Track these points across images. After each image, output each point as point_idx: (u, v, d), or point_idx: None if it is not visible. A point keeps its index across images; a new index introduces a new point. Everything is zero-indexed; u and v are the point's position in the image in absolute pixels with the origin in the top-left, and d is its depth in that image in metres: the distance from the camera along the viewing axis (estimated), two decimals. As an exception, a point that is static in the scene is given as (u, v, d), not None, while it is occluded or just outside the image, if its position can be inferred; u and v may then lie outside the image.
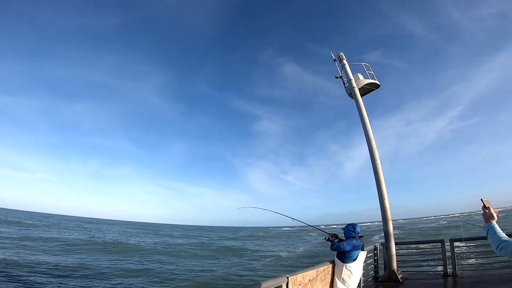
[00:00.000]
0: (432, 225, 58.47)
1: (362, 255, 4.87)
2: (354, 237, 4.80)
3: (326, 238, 5.15)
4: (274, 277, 3.43)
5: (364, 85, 8.43)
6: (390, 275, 6.64)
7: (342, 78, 8.88)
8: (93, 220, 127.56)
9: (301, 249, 30.27)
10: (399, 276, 6.57)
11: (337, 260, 4.84)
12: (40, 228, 43.29)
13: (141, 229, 71.85)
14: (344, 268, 4.70)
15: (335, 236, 5.09)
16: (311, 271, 4.20)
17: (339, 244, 4.73)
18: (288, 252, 27.73)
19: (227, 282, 14.60)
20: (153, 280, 14.61)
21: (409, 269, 7.61)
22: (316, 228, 6.76)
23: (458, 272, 6.62)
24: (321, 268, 4.52)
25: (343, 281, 4.72)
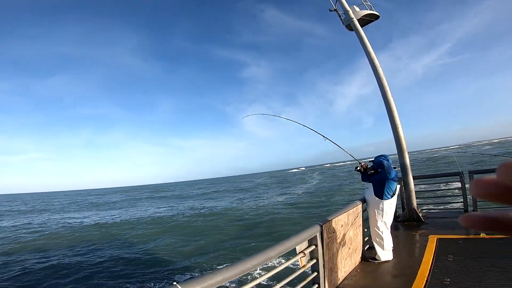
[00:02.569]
0: (434, 155, 60.42)
1: (398, 189, 4.30)
2: (389, 167, 4.09)
3: (357, 168, 4.50)
4: (306, 227, 3.12)
5: (363, 16, 7.53)
6: (411, 214, 6.23)
7: (337, 11, 8.00)
8: (100, 191, 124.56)
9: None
10: (420, 215, 6.19)
11: (372, 197, 4.17)
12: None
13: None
14: (384, 206, 4.07)
15: (365, 166, 4.42)
16: (342, 215, 3.80)
17: (384, 171, 4.03)
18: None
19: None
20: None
21: (428, 206, 7.29)
22: (347, 152, 5.74)
23: (479, 209, 6.27)
24: (351, 211, 4.05)
25: (383, 222, 4.12)
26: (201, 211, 24.90)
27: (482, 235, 4.71)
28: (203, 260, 11.34)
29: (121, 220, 23.75)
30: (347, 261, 3.88)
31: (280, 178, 73.64)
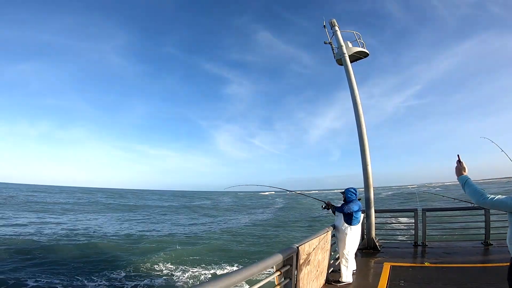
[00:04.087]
0: (388, 193, 65.41)
1: (363, 218, 4.89)
2: (355, 199, 4.73)
3: (323, 206, 5.17)
4: (284, 248, 3.34)
5: (354, 52, 8.13)
6: (369, 243, 6.74)
7: (331, 44, 8.55)
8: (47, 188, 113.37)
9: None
10: (377, 244, 6.71)
11: (341, 224, 4.71)
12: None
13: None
14: (350, 231, 4.63)
15: (330, 204, 5.12)
16: (315, 239, 4.08)
17: (348, 206, 4.65)
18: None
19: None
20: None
21: (384, 237, 7.89)
22: (311, 197, 6.53)
23: (428, 242, 6.96)
24: (322, 236, 4.37)
25: (350, 244, 4.63)
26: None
27: (426, 263, 5.46)
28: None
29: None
30: (314, 282, 4.09)
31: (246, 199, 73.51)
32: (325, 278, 4.60)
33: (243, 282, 3.01)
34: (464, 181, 2.61)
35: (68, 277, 10.67)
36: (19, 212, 28.76)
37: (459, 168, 2.70)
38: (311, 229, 19.50)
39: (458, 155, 2.74)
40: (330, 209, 5.06)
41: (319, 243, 4.17)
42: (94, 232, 19.69)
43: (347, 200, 4.76)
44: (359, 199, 4.86)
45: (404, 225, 10.79)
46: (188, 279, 10.92)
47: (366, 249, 6.71)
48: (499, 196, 2.48)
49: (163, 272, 11.74)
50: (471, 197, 2.55)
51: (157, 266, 12.24)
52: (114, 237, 18.26)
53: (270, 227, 23.58)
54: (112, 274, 11.21)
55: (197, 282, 10.39)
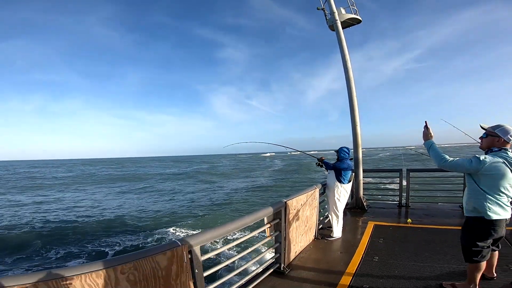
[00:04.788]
0: (380, 155, 67.40)
1: (353, 177, 5.15)
2: (347, 158, 4.98)
3: (317, 163, 5.39)
4: (274, 202, 3.71)
5: (346, 19, 8.01)
6: (358, 202, 7.20)
7: (323, 11, 8.37)
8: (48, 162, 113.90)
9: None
10: (364, 204, 7.18)
11: (332, 181, 5.03)
12: None
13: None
14: (340, 188, 4.95)
15: (321, 159, 5.34)
16: (302, 195, 4.42)
17: (335, 164, 4.95)
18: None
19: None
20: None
21: (371, 197, 8.38)
22: (306, 153, 6.79)
23: (410, 203, 7.43)
24: (310, 192, 4.72)
25: (338, 201, 4.97)
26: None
27: (409, 220, 5.92)
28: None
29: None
30: (303, 237, 4.52)
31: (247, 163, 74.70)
32: (314, 234, 5.03)
33: (238, 231, 3.42)
34: (429, 146, 2.87)
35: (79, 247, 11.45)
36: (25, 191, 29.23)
37: (426, 133, 2.94)
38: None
39: (425, 121, 2.95)
40: (322, 166, 5.27)
41: (306, 199, 4.53)
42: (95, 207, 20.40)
43: (339, 159, 5.01)
44: (351, 159, 5.12)
45: (391, 186, 11.41)
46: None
47: (354, 208, 7.18)
48: (457, 158, 2.70)
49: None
50: (434, 160, 2.78)
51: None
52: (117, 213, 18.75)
53: (268, 192, 24.62)
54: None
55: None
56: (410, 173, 7.44)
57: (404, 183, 7.46)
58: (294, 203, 4.07)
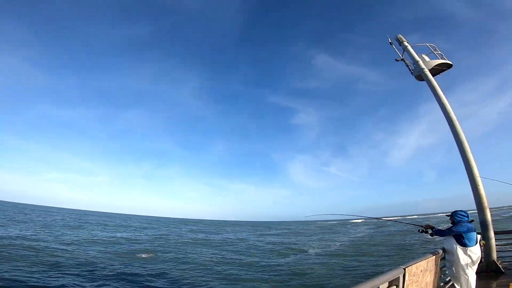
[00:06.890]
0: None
1: (479, 238, 4.66)
2: (464, 221, 4.60)
3: (420, 230, 5.09)
4: (390, 269, 3.60)
5: (435, 65, 7.87)
6: (489, 266, 6.13)
7: (404, 61, 8.49)
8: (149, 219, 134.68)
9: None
10: (500, 266, 6.06)
11: (452, 246, 4.64)
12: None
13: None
14: (465, 253, 4.52)
15: (429, 226, 4.95)
16: (423, 261, 4.25)
17: (452, 228, 4.59)
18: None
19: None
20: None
21: (508, 259, 6.98)
22: (404, 223, 6.46)
23: None
24: (431, 259, 4.45)
25: (464, 268, 4.52)
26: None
27: None
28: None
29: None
30: (424, 304, 4.20)
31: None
32: (436, 301, 4.58)
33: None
34: None
35: None
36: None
37: None
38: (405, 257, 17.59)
39: None
40: (428, 233, 4.95)
41: (427, 265, 4.30)
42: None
43: (455, 222, 4.68)
44: (471, 221, 4.68)
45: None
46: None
47: (486, 272, 6.11)
48: None
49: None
50: None
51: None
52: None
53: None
54: None
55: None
56: None
57: None
58: (414, 269, 3.91)
